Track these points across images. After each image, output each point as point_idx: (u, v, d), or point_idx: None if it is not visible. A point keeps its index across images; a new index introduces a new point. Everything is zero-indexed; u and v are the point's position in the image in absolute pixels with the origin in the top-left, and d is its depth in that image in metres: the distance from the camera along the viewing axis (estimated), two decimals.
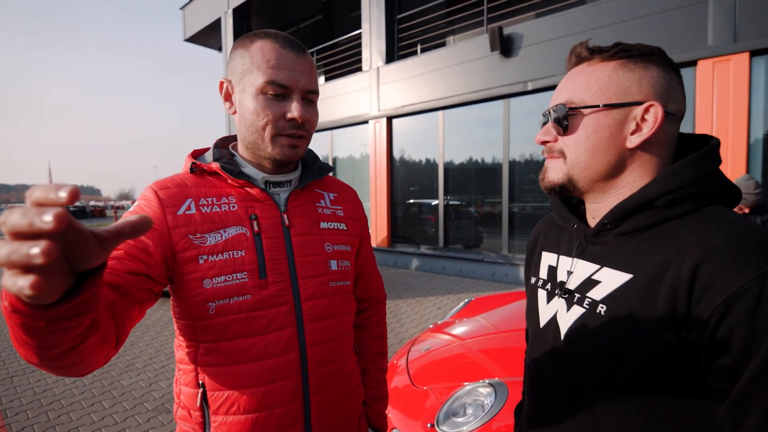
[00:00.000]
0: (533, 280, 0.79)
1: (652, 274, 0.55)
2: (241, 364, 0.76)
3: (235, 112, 0.81)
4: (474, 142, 6.88)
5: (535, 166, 6.20)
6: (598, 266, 0.63)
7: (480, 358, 1.87)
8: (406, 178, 7.89)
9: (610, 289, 0.60)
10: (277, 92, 0.76)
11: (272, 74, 0.75)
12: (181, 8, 11.95)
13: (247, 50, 0.77)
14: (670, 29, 4.82)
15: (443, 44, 7.85)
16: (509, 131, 6.37)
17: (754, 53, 4.38)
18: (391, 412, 1.73)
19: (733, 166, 4.47)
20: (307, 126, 0.81)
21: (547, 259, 0.77)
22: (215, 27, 11.03)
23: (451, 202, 7.28)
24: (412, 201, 7.86)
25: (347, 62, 9.18)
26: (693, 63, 4.70)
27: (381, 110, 7.82)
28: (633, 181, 0.63)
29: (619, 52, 0.60)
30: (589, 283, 0.63)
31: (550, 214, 0.84)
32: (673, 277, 0.52)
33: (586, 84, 0.62)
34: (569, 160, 0.65)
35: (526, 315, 0.82)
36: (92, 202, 66.29)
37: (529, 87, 5.94)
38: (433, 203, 7.50)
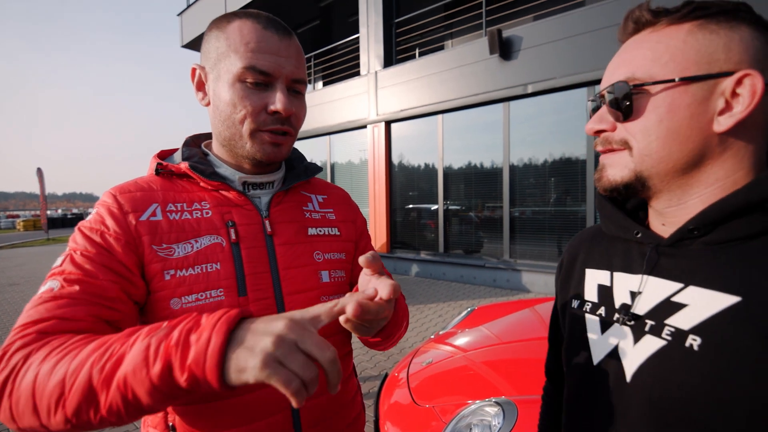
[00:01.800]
0: (575, 303, 0.63)
1: None
2: (218, 401, 0.64)
3: (208, 104, 0.70)
4: (474, 146, 6.81)
5: (535, 171, 6.11)
6: (681, 285, 0.49)
7: (484, 372, 1.78)
8: (405, 183, 7.80)
9: (704, 315, 0.46)
10: (257, 80, 0.65)
11: (252, 59, 0.64)
12: (179, 14, 11.93)
13: (222, 31, 0.66)
14: None
15: (441, 48, 7.80)
16: (509, 135, 6.29)
17: None
18: (391, 430, 1.65)
19: None
20: (292, 121, 0.70)
21: (595, 276, 0.61)
22: None
23: (451, 207, 7.18)
24: (411, 206, 7.77)
25: (345, 66, 9.13)
26: None
27: (379, 114, 7.75)
28: (724, 176, 0.49)
29: (695, 10, 0.47)
30: (668, 306, 0.49)
31: (590, 227, 0.70)
32: None
33: (653, 54, 0.48)
34: (637, 151, 0.51)
35: (566, 349, 0.65)
36: (90, 210, 66.23)
37: (530, 90, 5.86)
38: (432, 208, 7.40)
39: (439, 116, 7.07)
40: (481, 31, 6.77)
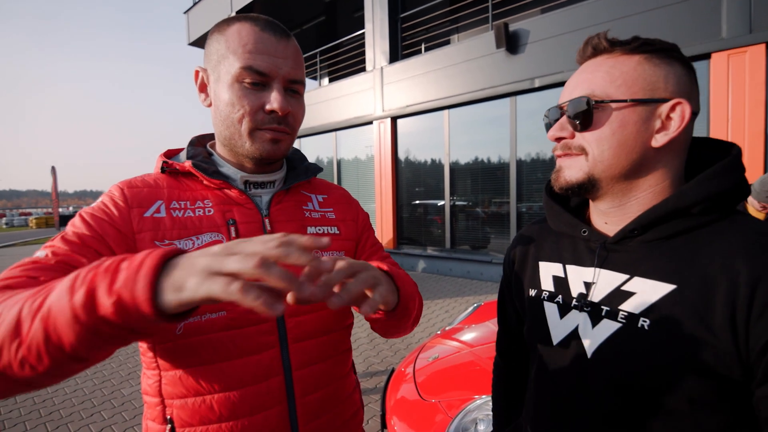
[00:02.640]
0: (532, 292, 0.72)
1: (699, 286, 0.52)
2: (215, 394, 0.66)
3: (210, 105, 0.72)
4: (480, 141, 6.77)
5: (542, 165, 6.07)
6: (627, 276, 0.58)
7: (490, 367, 1.78)
8: (412, 179, 7.79)
9: (650, 300, 0.55)
10: (254, 80, 0.66)
11: (249, 59, 0.65)
12: (185, 12, 11.98)
13: (222, 34, 0.68)
14: (681, 22, 4.67)
15: (447, 42, 7.76)
16: (516, 130, 6.24)
17: None
18: (397, 425, 1.66)
19: (750, 163, 4.31)
20: (290, 120, 0.71)
21: (549, 269, 0.70)
22: None
23: (457, 203, 7.16)
24: (417, 202, 7.76)
25: (351, 63, 9.11)
26: (707, 56, 4.55)
27: (385, 110, 7.73)
28: (655, 183, 0.59)
29: (643, 45, 0.57)
30: (620, 294, 0.58)
31: (537, 220, 0.80)
32: (728, 291, 0.50)
33: (610, 77, 0.57)
34: (591, 157, 0.60)
35: (528, 331, 0.73)
36: None
37: (537, 84, 5.81)
38: (439, 204, 7.39)
39: (446, 111, 7.04)
40: (487, 25, 6.71)
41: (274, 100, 0.67)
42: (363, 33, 8.21)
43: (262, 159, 0.72)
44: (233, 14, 10.33)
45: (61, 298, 0.41)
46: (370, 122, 8.08)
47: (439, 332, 2.44)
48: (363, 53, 8.37)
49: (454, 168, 7.11)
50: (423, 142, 7.52)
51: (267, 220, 0.74)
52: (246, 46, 0.66)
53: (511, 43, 5.96)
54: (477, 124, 6.77)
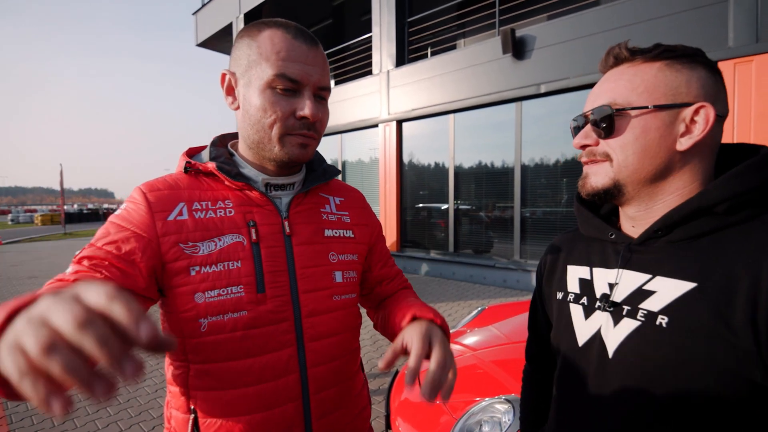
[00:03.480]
0: (559, 295, 0.73)
1: (721, 283, 0.51)
2: (235, 389, 0.69)
3: (238, 108, 0.74)
4: (485, 145, 6.79)
5: (546, 171, 6.08)
6: (650, 275, 0.58)
7: (493, 371, 1.80)
8: (416, 182, 7.81)
9: (669, 298, 0.55)
10: (287, 87, 0.68)
11: (282, 67, 0.67)
12: (194, 13, 12.08)
13: (254, 39, 0.70)
14: (687, 30, 4.69)
15: (454, 47, 7.78)
16: (521, 135, 6.26)
17: None
18: (402, 426, 1.67)
19: None
20: (317, 126, 0.74)
21: (576, 272, 0.71)
22: (227, 32, 11.11)
23: (461, 207, 7.18)
24: (421, 205, 7.77)
25: (357, 65, 9.16)
26: None
27: (391, 114, 7.77)
28: (682, 186, 0.60)
29: (664, 52, 0.58)
30: (641, 293, 0.58)
31: (569, 230, 0.81)
32: (750, 288, 0.49)
33: (631, 85, 0.59)
34: (616, 163, 0.61)
35: (554, 335, 0.74)
36: (105, 205, 67.44)
37: (542, 90, 5.83)
38: (443, 207, 7.40)
39: (451, 116, 7.07)
40: (494, 31, 6.74)
41: (306, 107, 0.69)
42: (370, 36, 8.26)
43: (290, 163, 0.74)
44: (241, 17, 10.32)
45: None
46: (376, 125, 8.12)
47: None
48: (369, 56, 8.41)
49: (459, 172, 7.13)
50: (428, 146, 7.54)
51: (286, 223, 0.76)
52: (279, 53, 0.68)
53: (518, 48, 5.98)
54: (482, 129, 6.79)
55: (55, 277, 0.60)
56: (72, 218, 32.07)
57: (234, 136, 0.85)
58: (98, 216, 34.83)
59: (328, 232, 0.81)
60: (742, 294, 0.49)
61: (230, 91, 0.74)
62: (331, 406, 0.77)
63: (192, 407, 0.70)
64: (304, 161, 0.76)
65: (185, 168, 0.74)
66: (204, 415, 0.69)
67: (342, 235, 0.83)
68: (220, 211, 0.72)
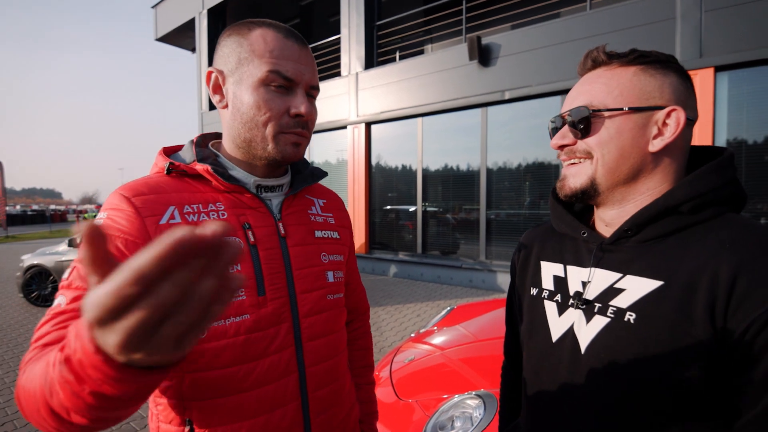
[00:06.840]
0: (534, 291, 0.75)
1: (685, 280, 0.54)
2: (237, 394, 0.67)
3: (226, 106, 0.72)
4: (452, 149, 6.93)
5: (510, 175, 6.29)
6: (620, 274, 0.61)
7: (461, 368, 1.84)
8: (384, 185, 7.85)
9: (637, 296, 0.58)
10: (280, 84, 0.68)
11: (276, 64, 0.67)
12: (153, 7, 11.58)
13: (245, 38, 0.69)
14: (640, 44, 4.98)
15: (422, 52, 7.91)
16: (487, 139, 6.44)
17: (718, 69, 4.59)
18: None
19: None
20: (309, 124, 0.74)
21: (550, 269, 0.73)
22: (189, 27, 10.73)
23: (429, 209, 7.28)
24: (389, 207, 7.82)
25: (326, 66, 9.10)
26: None
27: (360, 116, 7.77)
28: (653, 187, 0.62)
29: (639, 57, 0.60)
30: (611, 291, 0.61)
31: (540, 224, 0.83)
32: (710, 283, 0.52)
33: (607, 88, 0.61)
34: (596, 159, 0.63)
35: (527, 330, 0.76)
36: (52, 206, 63.05)
37: (506, 96, 6.03)
38: (411, 209, 7.48)
39: (419, 119, 7.17)
40: (460, 37, 6.90)
41: (300, 105, 0.69)
42: (339, 38, 8.24)
43: (282, 162, 0.73)
44: (204, 12, 10.00)
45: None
46: (345, 127, 8.10)
47: (412, 335, 2.48)
48: (338, 58, 8.38)
49: (427, 174, 7.24)
50: (396, 148, 7.61)
51: (280, 224, 0.76)
52: (273, 51, 0.68)
53: (483, 56, 6.16)
54: (449, 133, 6.93)
55: (52, 310, 0.56)
56: (15, 220, 29.86)
57: (213, 136, 0.82)
58: (44, 218, 32.54)
59: (318, 233, 0.82)
60: (703, 288, 0.52)
61: (217, 89, 0.72)
62: (327, 404, 0.77)
63: (188, 419, 0.66)
64: (295, 160, 0.75)
65: (168, 169, 0.71)
66: (201, 425, 0.66)
67: (329, 236, 0.84)
68: (213, 214, 0.69)
